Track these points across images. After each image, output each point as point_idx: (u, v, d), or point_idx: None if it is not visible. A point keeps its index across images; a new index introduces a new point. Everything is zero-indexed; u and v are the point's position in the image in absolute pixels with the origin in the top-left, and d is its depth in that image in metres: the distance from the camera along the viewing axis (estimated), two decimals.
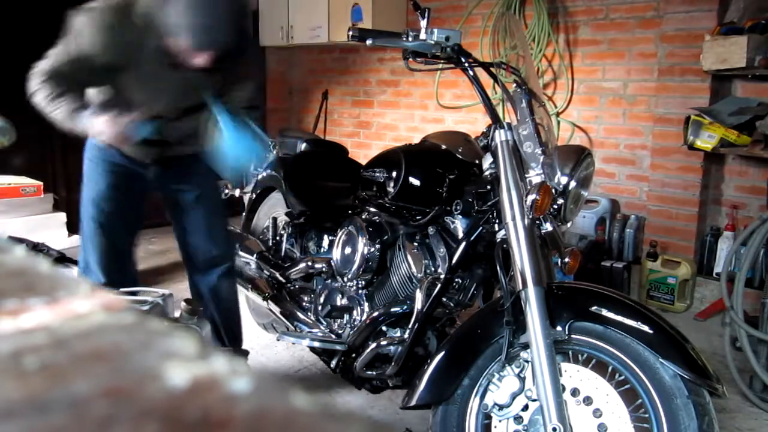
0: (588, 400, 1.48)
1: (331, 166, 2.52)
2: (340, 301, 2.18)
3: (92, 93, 1.82)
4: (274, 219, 2.66)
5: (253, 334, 2.86)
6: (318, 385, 2.43)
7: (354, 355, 2.01)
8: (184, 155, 2.01)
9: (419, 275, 1.86)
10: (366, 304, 2.05)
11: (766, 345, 2.37)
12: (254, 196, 2.85)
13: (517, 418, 1.55)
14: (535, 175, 1.62)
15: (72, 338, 0.27)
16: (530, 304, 1.49)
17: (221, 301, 2.22)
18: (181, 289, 2.26)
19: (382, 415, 2.22)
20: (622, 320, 1.46)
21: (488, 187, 1.77)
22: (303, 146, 2.65)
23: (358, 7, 4.27)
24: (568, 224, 1.77)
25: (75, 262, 2.22)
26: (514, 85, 1.69)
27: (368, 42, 1.71)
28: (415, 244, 1.93)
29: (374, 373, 1.93)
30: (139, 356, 0.26)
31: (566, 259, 1.65)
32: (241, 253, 2.59)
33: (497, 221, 1.72)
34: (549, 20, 3.76)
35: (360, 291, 2.07)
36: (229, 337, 2.26)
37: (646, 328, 1.44)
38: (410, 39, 1.70)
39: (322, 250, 2.39)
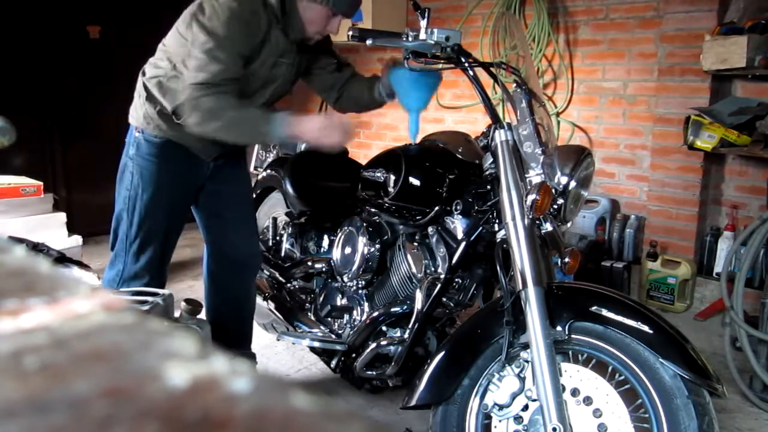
0: (588, 400, 1.48)
1: (331, 166, 2.52)
2: (340, 301, 2.18)
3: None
4: (274, 219, 2.66)
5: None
6: (318, 385, 2.43)
7: (354, 355, 2.02)
8: (234, 153, 2.05)
9: (419, 275, 1.86)
10: (366, 304, 2.05)
11: (766, 345, 2.37)
12: (254, 196, 2.85)
13: (517, 418, 1.55)
14: (535, 175, 1.62)
15: (72, 338, 0.27)
16: (530, 304, 1.49)
17: (247, 301, 2.22)
18: (181, 289, 2.26)
19: (382, 415, 2.22)
20: (622, 320, 1.46)
21: (488, 187, 1.77)
22: (303, 146, 2.65)
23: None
24: (568, 224, 1.77)
25: (75, 262, 2.21)
26: (514, 85, 1.69)
27: (368, 42, 1.71)
28: (415, 244, 1.93)
29: (374, 373, 1.93)
30: (139, 356, 0.26)
31: (566, 259, 1.65)
32: None
33: (497, 221, 1.72)
34: (549, 20, 3.76)
35: (360, 291, 2.07)
36: (240, 339, 2.25)
37: (646, 328, 1.44)
38: (410, 39, 1.70)
39: (322, 250, 2.39)
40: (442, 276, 1.81)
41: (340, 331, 2.13)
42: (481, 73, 1.77)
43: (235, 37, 1.67)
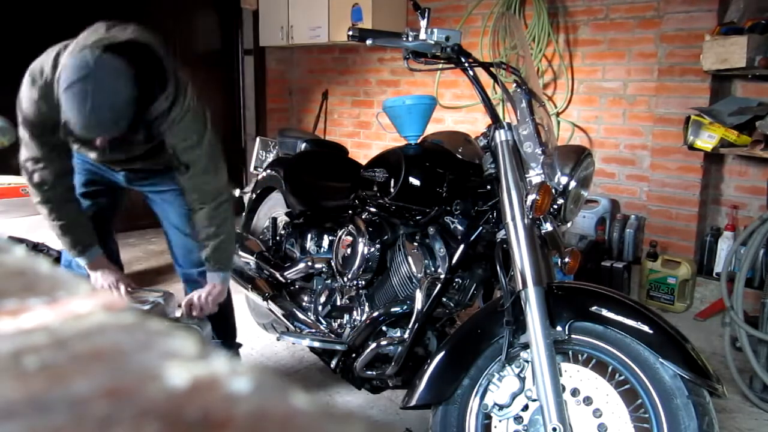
0: (588, 400, 1.48)
1: (331, 166, 2.52)
2: (340, 301, 2.18)
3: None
4: (274, 219, 2.66)
5: (253, 334, 2.86)
6: (318, 385, 2.43)
7: (354, 355, 2.01)
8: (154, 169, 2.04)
9: (419, 275, 1.86)
10: (366, 304, 2.05)
11: (766, 345, 2.37)
12: (254, 196, 2.85)
13: (517, 418, 1.55)
14: (535, 175, 1.62)
15: (72, 338, 0.27)
16: (530, 304, 1.49)
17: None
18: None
19: (382, 415, 2.22)
20: (622, 320, 1.46)
21: (488, 187, 1.77)
22: (303, 146, 2.65)
23: (358, 7, 4.27)
24: (568, 224, 1.77)
25: None
26: (514, 85, 1.69)
27: (368, 42, 1.72)
28: (415, 244, 1.93)
29: (374, 373, 1.93)
30: (139, 356, 0.26)
31: (566, 259, 1.65)
32: (241, 253, 2.59)
33: (497, 221, 1.72)
34: (549, 20, 3.76)
35: (360, 291, 2.07)
36: (219, 331, 2.25)
37: (646, 328, 1.44)
38: (410, 39, 1.70)
39: (322, 250, 2.39)
40: (442, 276, 1.80)
41: (340, 331, 2.13)
42: (481, 73, 1.77)
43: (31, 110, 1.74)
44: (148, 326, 0.28)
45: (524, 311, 1.50)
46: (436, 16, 4.24)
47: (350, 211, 2.17)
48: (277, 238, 2.62)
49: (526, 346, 1.52)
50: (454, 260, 1.79)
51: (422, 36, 1.69)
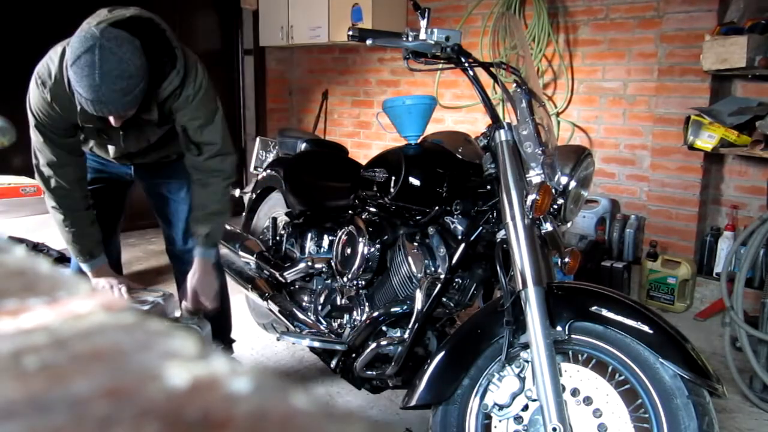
0: (588, 400, 1.48)
1: (331, 166, 2.52)
2: (340, 301, 2.18)
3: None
4: (274, 219, 2.66)
5: (253, 334, 2.86)
6: (318, 385, 2.43)
7: (354, 355, 2.01)
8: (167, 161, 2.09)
9: (419, 275, 1.86)
10: (366, 304, 2.05)
11: (766, 345, 2.37)
12: (254, 196, 2.85)
13: (517, 418, 1.55)
14: (535, 175, 1.62)
15: (72, 338, 0.27)
16: (530, 304, 1.49)
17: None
18: None
19: (382, 415, 2.22)
20: (622, 320, 1.46)
21: (488, 187, 1.77)
22: (303, 146, 2.65)
23: (358, 7, 4.27)
24: (568, 224, 1.77)
25: None
26: (514, 85, 1.69)
27: (368, 42, 1.72)
28: (415, 244, 1.93)
29: (374, 373, 1.93)
30: (139, 356, 0.26)
31: (566, 259, 1.65)
32: (241, 253, 2.59)
33: (497, 221, 1.72)
34: (549, 20, 3.76)
35: (360, 291, 2.07)
36: (214, 329, 2.25)
37: (646, 328, 1.44)
38: (410, 39, 1.70)
39: (322, 250, 2.39)
40: (442, 276, 1.80)
41: (340, 331, 2.13)
42: (481, 73, 1.77)
43: (42, 113, 1.76)
44: (148, 326, 0.28)
45: (524, 311, 1.50)
46: (436, 16, 4.24)
47: (350, 211, 2.17)
48: (277, 238, 2.62)
49: (526, 346, 1.52)
50: (454, 260, 1.79)
51: (422, 36, 1.69)
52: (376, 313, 1.94)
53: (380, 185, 1.99)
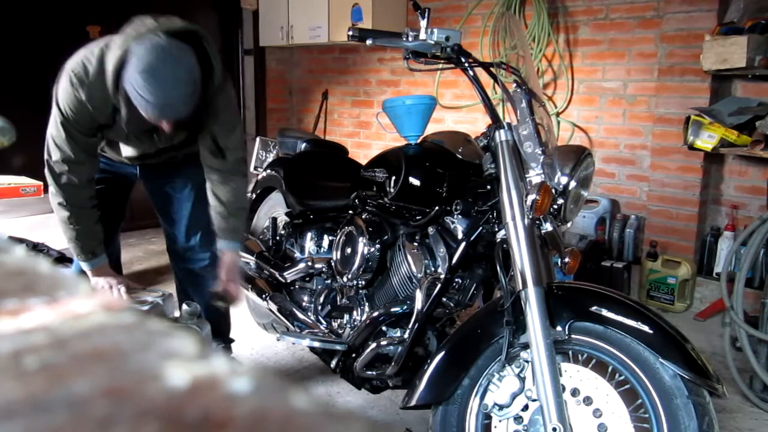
0: (588, 400, 1.48)
1: (331, 166, 2.52)
2: (340, 301, 2.18)
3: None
4: (274, 219, 2.66)
5: (253, 334, 2.86)
6: (318, 385, 2.43)
7: (354, 355, 2.01)
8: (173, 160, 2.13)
9: (419, 275, 1.86)
10: (366, 304, 2.05)
11: (766, 345, 2.37)
12: (254, 196, 2.85)
13: (517, 418, 1.55)
14: (535, 175, 1.62)
15: (72, 338, 0.27)
16: (530, 304, 1.49)
17: (204, 293, 2.23)
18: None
19: (382, 415, 2.22)
20: (622, 320, 1.46)
21: (488, 187, 1.77)
22: (303, 146, 2.65)
23: (358, 7, 4.27)
24: (568, 224, 1.76)
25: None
26: (514, 85, 1.69)
27: (368, 42, 1.72)
28: (415, 244, 1.93)
29: (374, 373, 1.93)
30: (139, 356, 0.26)
31: (566, 259, 1.65)
32: (241, 253, 2.59)
33: (497, 221, 1.72)
34: (549, 20, 3.76)
35: (360, 291, 2.07)
36: (214, 329, 2.26)
37: (646, 328, 1.44)
38: (410, 39, 1.70)
39: (322, 250, 2.39)
40: (442, 276, 1.80)
41: (340, 331, 2.13)
42: (481, 73, 1.77)
43: (72, 110, 1.78)
44: (148, 326, 0.28)
45: (524, 311, 1.50)
46: (436, 16, 4.24)
47: (350, 211, 2.17)
48: (277, 238, 2.62)
49: (526, 346, 1.52)
50: (454, 260, 1.79)
51: (422, 36, 1.69)
52: (376, 313, 1.94)
53: (380, 185, 1.99)
